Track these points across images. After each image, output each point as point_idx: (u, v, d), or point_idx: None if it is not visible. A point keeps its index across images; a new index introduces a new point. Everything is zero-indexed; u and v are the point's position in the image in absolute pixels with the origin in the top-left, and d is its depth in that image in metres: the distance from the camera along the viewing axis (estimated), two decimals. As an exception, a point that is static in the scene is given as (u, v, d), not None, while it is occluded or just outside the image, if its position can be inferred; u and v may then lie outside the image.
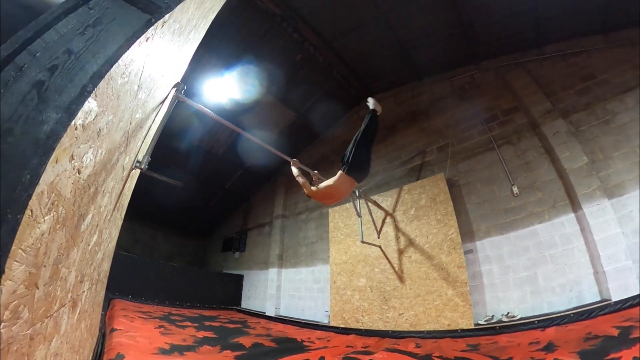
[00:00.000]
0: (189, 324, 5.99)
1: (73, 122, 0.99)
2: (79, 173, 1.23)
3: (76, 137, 1.08)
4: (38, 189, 0.87)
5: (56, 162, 0.97)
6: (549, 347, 3.15)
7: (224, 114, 7.84)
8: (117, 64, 1.17)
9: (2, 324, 0.85)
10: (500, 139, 6.05)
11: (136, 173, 3.26)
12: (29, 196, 0.83)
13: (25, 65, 0.89)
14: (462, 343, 4.21)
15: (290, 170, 4.76)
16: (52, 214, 1.05)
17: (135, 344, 3.68)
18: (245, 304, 10.71)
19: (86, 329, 2.60)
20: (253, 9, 6.58)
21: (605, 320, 3.50)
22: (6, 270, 0.80)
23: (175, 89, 3.04)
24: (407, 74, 8.21)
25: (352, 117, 9.89)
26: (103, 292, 4.27)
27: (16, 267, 0.86)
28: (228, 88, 8.17)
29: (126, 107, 1.70)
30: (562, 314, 4.08)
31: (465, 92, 7.17)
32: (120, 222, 3.73)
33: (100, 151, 1.46)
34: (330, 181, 4.15)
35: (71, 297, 1.70)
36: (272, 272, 9.54)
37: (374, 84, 8.89)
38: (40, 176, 0.87)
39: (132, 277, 8.53)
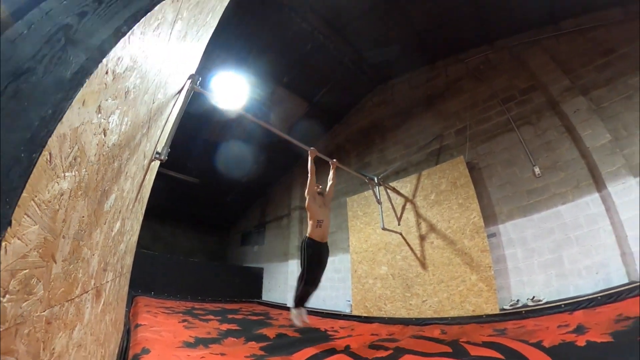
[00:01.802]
0: (212, 317, 6.08)
1: (105, 61, 0.92)
2: (104, 135, 1.15)
3: (105, 84, 1.01)
4: (60, 129, 0.77)
5: (83, 104, 0.87)
6: (580, 330, 3.08)
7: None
8: (150, 13, 1.13)
9: (7, 295, 0.69)
10: (519, 119, 5.90)
11: (155, 165, 3.26)
12: (49, 133, 0.72)
13: (52, 10, 0.79)
14: (489, 328, 4.14)
15: (306, 162, 4.73)
16: (74, 173, 0.95)
17: (160, 338, 3.75)
18: (267, 296, 10.83)
19: (111, 323, 2.54)
20: (260, 2, 6.54)
21: (635, 302, 3.37)
22: (13, 222, 0.65)
23: (190, 80, 3.02)
24: (420, 57, 8.08)
25: (365, 104, 9.82)
26: (126, 287, 4.28)
27: (28, 225, 0.73)
28: (239, 82, 8.14)
29: (151, 80, 1.64)
30: (590, 297, 3.95)
31: (480, 73, 7.00)
32: (141, 217, 3.76)
33: (126, 119, 1.38)
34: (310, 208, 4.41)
35: (94, 284, 1.59)
36: (292, 263, 9.58)
37: (386, 69, 8.78)
38: (64, 113, 0.77)
39: (154, 274, 8.78)
